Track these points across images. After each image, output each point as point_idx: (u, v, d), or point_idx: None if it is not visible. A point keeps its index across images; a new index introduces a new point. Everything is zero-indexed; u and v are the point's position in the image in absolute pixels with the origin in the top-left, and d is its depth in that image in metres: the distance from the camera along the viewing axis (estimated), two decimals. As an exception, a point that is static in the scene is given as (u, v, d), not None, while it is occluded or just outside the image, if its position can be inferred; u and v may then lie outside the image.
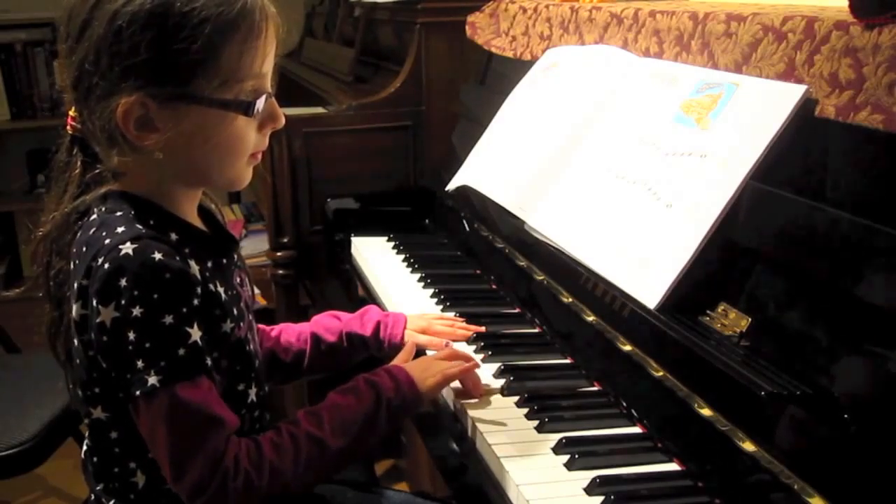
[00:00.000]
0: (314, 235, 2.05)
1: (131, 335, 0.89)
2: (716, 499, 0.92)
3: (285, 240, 2.04)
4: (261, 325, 1.27)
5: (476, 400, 1.14)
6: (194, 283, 0.93)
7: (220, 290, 0.99)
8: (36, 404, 1.79)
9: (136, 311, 0.89)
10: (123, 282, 0.89)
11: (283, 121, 1.01)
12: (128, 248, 0.90)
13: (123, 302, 0.89)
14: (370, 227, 1.90)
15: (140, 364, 0.90)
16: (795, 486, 0.82)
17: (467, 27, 2.01)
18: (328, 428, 1.00)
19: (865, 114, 0.93)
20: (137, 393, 0.90)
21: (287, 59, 3.33)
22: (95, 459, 1.01)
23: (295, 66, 3.15)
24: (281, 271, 2.07)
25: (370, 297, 1.61)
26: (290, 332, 1.28)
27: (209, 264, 0.99)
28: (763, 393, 0.88)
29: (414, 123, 2.11)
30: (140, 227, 0.93)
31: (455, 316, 1.39)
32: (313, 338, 1.27)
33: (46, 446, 1.75)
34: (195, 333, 0.92)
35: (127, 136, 0.93)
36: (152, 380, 0.89)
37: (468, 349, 1.28)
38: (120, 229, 0.93)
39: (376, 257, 1.75)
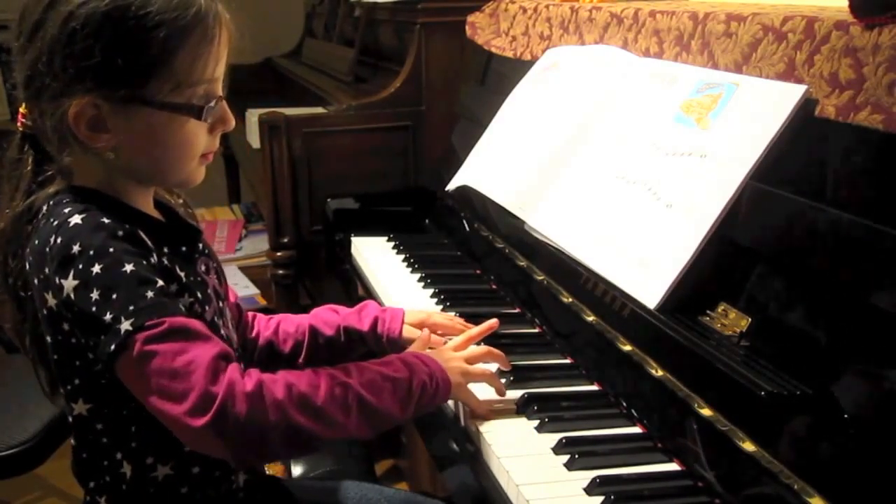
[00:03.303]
0: (314, 235, 2.05)
1: (94, 294, 0.87)
2: (716, 499, 0.92)
3: (285, 240, 2.04)
4: (259, 315, 1.27)
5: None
6: (149, 249, 0.92)
7: (181, 273, 0.98)
8: (36, 404, 1.79)
9: (96, 269, 0.88)
10: (76, 248, 0.88)
11: (233, 123, 1.01)
12: (76, 219, 0.90)
13: (81, 266, 0.88)
14: (370, 227, 1.90)
15: (109, 317, 0.87)
16: (795, 486, 0.82)
17: (467, 27, 2.01)
18: (355, 376, 0.97)
19: (865, 114, 0.93)
20: (112, 348, 0.86)
21: (287, 59, 3.33)
22: (84, 456, 1.01)
23: (295, 66, 3.15)
24: (281, 271, 2.07)
25: (370, 297, 1.61)
26: (289, 323, 1.28)
27: (165, 250, 0.98)
28: (763, 393, 0.88)
29: (414, 123, 2.12)
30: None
31: (455, 316, 1.39)
32: (311, 330, 1.27)
33: (46, 446, 1.75)
34: (160, 282, 0.90)
35: (78, 136, 0.93)
36: (125, 326, 0.86)
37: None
38: (67, 210, 0.92)
39: (376, 257, 1.75)
